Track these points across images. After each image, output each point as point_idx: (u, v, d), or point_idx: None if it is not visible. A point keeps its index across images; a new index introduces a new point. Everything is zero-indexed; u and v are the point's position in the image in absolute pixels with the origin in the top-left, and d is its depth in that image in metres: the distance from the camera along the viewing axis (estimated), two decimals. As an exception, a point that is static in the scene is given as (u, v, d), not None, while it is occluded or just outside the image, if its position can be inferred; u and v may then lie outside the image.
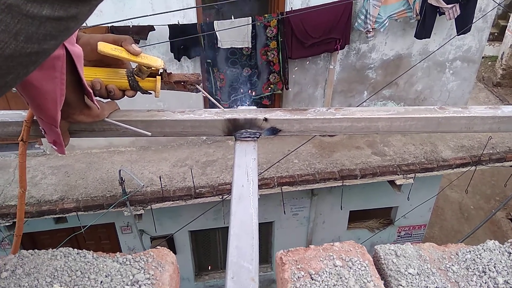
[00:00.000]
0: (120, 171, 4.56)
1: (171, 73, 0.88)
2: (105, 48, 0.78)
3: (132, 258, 0.68)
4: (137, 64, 0.83)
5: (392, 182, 5.64)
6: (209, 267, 7.46)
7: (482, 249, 0.68)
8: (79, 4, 0.44)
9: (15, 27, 0.41)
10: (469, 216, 9.17)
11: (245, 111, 0.93)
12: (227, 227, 0.66)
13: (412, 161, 5.47)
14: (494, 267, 0.65)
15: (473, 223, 8.34)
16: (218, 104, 1.02)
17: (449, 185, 7.51)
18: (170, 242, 6.28)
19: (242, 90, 5.24)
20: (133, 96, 0.88)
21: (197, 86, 0.90)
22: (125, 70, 0.85)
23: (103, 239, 6.50)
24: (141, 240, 5.97)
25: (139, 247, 6.19)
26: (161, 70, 0.85)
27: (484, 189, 9.62)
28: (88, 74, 0.82)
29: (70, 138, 0.89)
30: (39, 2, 0.41)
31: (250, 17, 4.62)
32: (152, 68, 0.84)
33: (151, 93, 0.89)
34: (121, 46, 0.81)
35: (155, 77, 0.86)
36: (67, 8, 0.44)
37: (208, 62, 4.88)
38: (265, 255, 7.46)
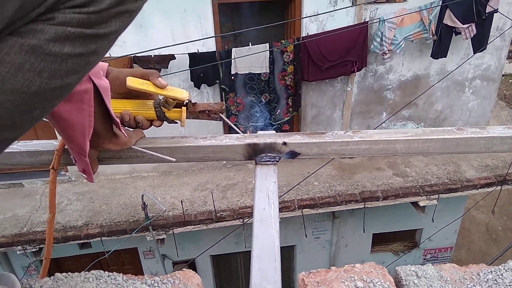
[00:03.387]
0: (142, 196, 4.62)
1: (195, 103, 0.92)
2: (133, 83, 0.83)
3: (160, 280, 0.71)
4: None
5: (415, 204, 5.53)
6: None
7: (504, 269, 0.68)
8: (98, 40, 0.48)
9: (39, 65, 0.45)
10: (497, 237, 8.86)
11: (265, 136, 0.96)
12: (249, 251, 0.67)
13: (435, 182, 5.37)
14: (517, 287, 0.65)
15: (502, 245, 8.04)
16: (238, 130, 1.06)
17: (475, 206, 7.29)
18: (191, 267, 6.26)
19: (261, 117, 5.29)
20: (160, 126, 0.92)
21: (221, 115, 0.94)
22: (153, 101, 0.90)
23: (126, 264, 6.53)
24: (163, 264, 5.98)
25: (161, 272, 6.19)
26: (186, 101, 0.90)
27: (511, 209, 9.31)
28: (118, 107, 0.87)
29: (99, 165, 0.94)
30: (61, 41, 0.45)
31: (268, 43, 4.72)
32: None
33: (177, 123, 0.93)
34: (148, 80, 0.85)
35: (181, 108, 0.91)
36: (87, 44, 0.47)
37: (224, 88, 4.96)
38: (287, 280, 7.34)
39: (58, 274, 0.68)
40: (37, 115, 0.49)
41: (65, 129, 0.73)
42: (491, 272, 0.68)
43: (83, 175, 0.88)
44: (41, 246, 4.90)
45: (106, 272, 0.69)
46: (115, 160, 0.95)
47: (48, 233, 0.92)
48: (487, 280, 0.67)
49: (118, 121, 0.83)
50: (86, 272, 0.69)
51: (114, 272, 0.69)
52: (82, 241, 4.98)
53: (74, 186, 5.59)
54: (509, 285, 0.65)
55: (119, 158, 0.94)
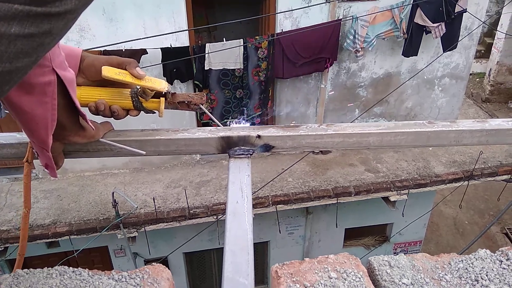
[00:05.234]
0: (113, 193, 4.52)
1: (175, 93, 0.89)
2: (109, 72, 0.79)
3: (128, 275, 0.69)
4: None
5: (386, 199, 5.66)
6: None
7: (474, 258, 0.69)
8: (52, 19, 0.43)
9: None
10: (464, 231, 9.17)
11: (238, 129, 0.94)
12: (222, 248, 0.66)
13: (405, 177, 5.50)
14: (486, 275, 0.66)
15: (469, 238, 8.33)
16: (218, 122, 1.04)
17: (443, 201, 7.52)
18: (164, 265, 6.18)
19: (234, 111, 5.27)
20: (136, 116, 0.89)
21: (201, 106, 0.91)
22: (129, 90, 0.86)
23: (96, 263, 6.39)
24: (134, 263, 5.88)
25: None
26: (165, 91, 0.87)
27: (477, 204, 9.65)
28: (93, 95, 0.83)
29: (65, 160, 0.89)
30: (7, 20, 0.40)
31: (242, 39, 4.70)
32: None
33: (155, 113, 0.90)
34: (125, 69, 0.82)
35: (159, 98, 0.88)
36: (38, 24, 0.42)
37: (197, 84, 4.92)
38: (261, 276, 7.37)
39: (18, 271, 0.65)
40: None
41: (26, 122, 0.68)
42: (462, 261, 0.69)
43: (46, 170, 0.84)
44: (6, 245, 4.73)
45: (70, 267, 0.66)
46: (82, 153, 0.91)
47: (22, 228, 0.88)
48: (458, 268, 0.68)
49: (85, 113, 0.79)
50: (49, 268, 0.65)
51: (79, 268, 0.66)
52: (50, 240, 4.84)
53: (41, 183, 5.41)
54: (479, 274, 0.66)
55: (86, 151, 0.90)
